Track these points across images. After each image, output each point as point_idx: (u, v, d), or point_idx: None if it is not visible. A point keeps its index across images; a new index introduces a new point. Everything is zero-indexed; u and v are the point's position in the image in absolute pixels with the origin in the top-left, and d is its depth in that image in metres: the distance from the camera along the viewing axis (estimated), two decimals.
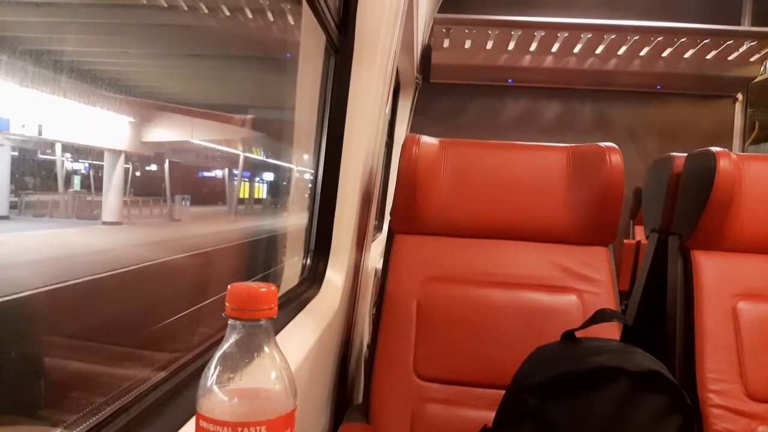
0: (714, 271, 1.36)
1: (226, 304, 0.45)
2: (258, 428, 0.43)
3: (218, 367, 0.44)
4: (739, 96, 3.88)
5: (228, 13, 3.88)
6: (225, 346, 0.45)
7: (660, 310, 1.49)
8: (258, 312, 0.45)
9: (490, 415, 0.99)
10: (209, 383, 0.44)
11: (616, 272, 1.37)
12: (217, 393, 0.44)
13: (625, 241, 3.16)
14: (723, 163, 1.33)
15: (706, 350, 1.29)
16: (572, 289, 1.32)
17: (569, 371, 0.89)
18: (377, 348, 1.29)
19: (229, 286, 0.45)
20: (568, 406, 0.87)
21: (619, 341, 1.01)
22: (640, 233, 3.65)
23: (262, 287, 0.45)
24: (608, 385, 0.86)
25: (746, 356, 1.27)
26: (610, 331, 1.24)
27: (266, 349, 0.46)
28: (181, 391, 0.65)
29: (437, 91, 3.92)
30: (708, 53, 3.62)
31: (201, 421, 0.44)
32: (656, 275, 1.57)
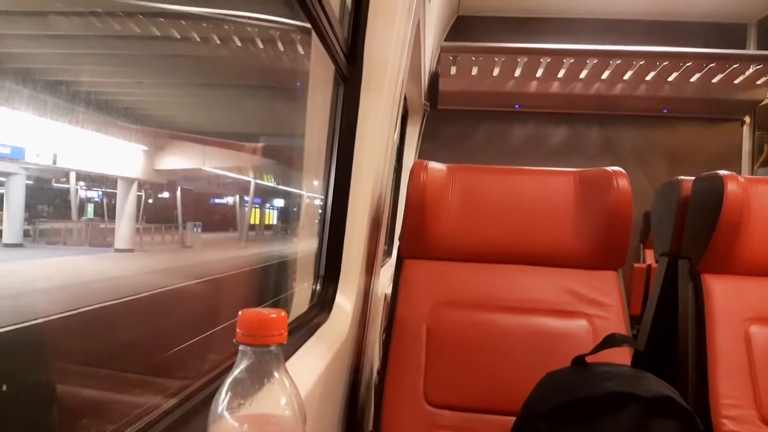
0: (725, 295, 1.36)
1: (237, 330, 0.45)
2: None
3: (229, 392, 0.45)
4: (747, 119, 3.88)
5: (239, 44, 3.96)
6: (236, 372, 0.46)
7: (671, 335, 1.48)
8: (268, 338, 0.45)
9: None
10: (220, 409, 0.45)
11: (626, 296, 1.36)
12: (227, 419, 0.45)
13: (635, 265, 3.14)
14: (731, 186, 1.33)
15: (719, 375, 1.28)
16: (582, 314, 1.31)
17: (580, 397, 0.88)
18: (387, 374, 1.29)
19: (239, 312, 0.46)
20: None
21: (631, 366, 1.00)
22: (650, 257, 3.62)
23: (272, 313, 0.46)
24: (620, 410, 0.86)
25: (760, 381, 1.25)
26: (621, 356, 1.23)
27: (276, 374, 0.46)
28: (193, 418, 0.66)
29: (445, 117, 3.95)
30: (714, 77, 3.64)
31: None
32: (667, 299, 1.56)
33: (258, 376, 0.46)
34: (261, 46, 4.12)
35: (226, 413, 0.45)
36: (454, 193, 1.42)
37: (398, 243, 1.47)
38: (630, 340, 1.03)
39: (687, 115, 3.90)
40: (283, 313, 0.46)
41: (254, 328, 0.45)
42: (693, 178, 1.54)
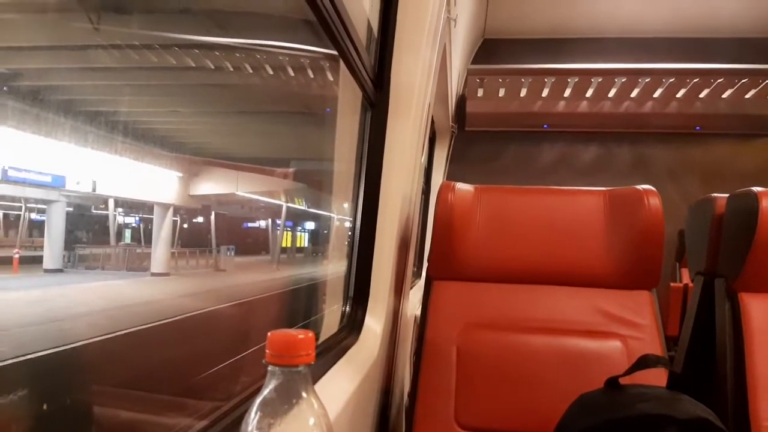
0: (763, 314, 1.32)
1: (266, 350, 0.47)
2: None
3: (258, 413, 0.46)
4: None
5: (271, 72, 4.08)
6: (265, 392, 0.47)
7: (709, 356, 1.44)
8: (296, 358, 0.47)
9: None
10: (250, 429, 0.46)
11: (661, 317, 1.33)
12: None
13: (672, 284, 3.06)
14: (765, 203, 1.30)
15: (759, 397, 1.23)
16: (615, 335, 1.29)
17: (614, 419, 0.87)
18: (417, 396, 1.28)
19: (268, 334, 0.47)
20: None
21: (666, 388, 0.98)
22: (687, 276, 3.53)
23: (300, 334, 0.47)
24: None
25: None
26: (657, 377, 1.20)
27: (304, 395, 0.47)
28: None
29: (473, 138, 3.96)
30: (747, 92, 3.57)
31: None
32: (704, 319, 1.52)
33: (286, 397, 0.47)
34: (291, 73, 4.23)
35: None
36: (481, 214, 1.42)
37: (427, 264, 1.47)
38: (664, 361, 1.01)
39: (720, 132, 3.82)
40: (310, 334, 0.47)
41: (282, 348, 0.47)
42: (727, 195, 1.51)
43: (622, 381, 0.97)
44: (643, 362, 0.95)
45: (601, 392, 0.98)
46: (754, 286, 1.35)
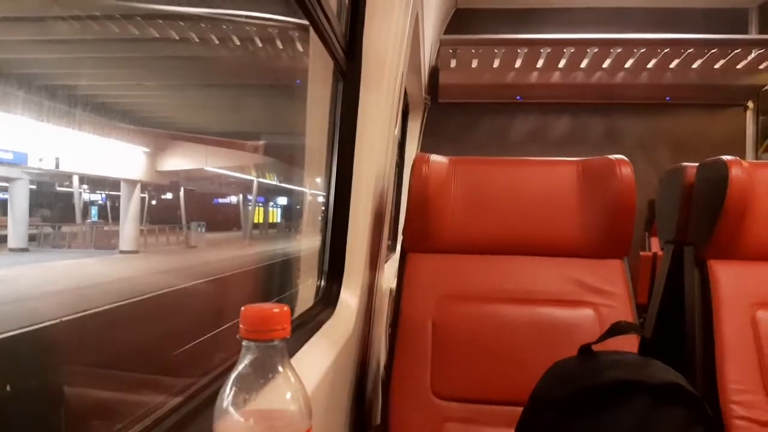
0: (731, 281, 1.35)
1: (240, 325, 0.45)
2: None
3: (233, 388, 0.45)
4: (750, 104, 3.86)
5: (238, 43, 3.96)
6: (240, 368, 0.46)
7: (678, 322, 1.47)
8: (271, 333, 0.45)
9: None
10: (225, 405, 0.45)
11: (633, 285, 1.36)
12: (233, 414, 0.45)
13: (641, 253, 3.13)
14: (735, 172, 1.33)
15: (726, 361, 1.27)
16: (588, 303, 1.31)
17: (587, 386, 0.88)
18: (393, 368, 1.29)
19: (242, 308, 0.46)
20: (587, 421, 0.86)
21: (638, 354, 1.00)
22: (656, 245, 3.61)
23: (275, 308, 0.46)
24: (627, 399, 0.85)
25: None
26: (629, 344, 1.22)
27: (281, 369, 0.46)
28: (199, 414, 0.66)
29: (446, 110, 3.94)
30: (716, 63, 3.62)
31: None
32: (673, 286, 1.55)
33: (262, 372, 0.46)
34: (260, 44, 4.12)
35: (231, 408, 0.44)
36: (456, 186, 1.41)
37: (402, 237, 1.47)
38: (636, 328, 1.03)
39: (690, 102, 3.88)
40: (285, 308, 0.46)
41: (257, 323, 0.45)
42: (697, 164, 1.54)
43: (595, 348, 0.98)
44: (616, 329, 0.96)
45: (574, 360, 0.99)
46: (722, 254, 1.38)
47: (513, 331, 1.28)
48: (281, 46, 3.76)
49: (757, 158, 3.85)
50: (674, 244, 1.61)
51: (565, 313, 1.30)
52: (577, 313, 1.30)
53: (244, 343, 0.46)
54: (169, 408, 0.66)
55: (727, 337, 1.29)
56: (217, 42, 4.36)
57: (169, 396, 0.70)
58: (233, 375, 0.46)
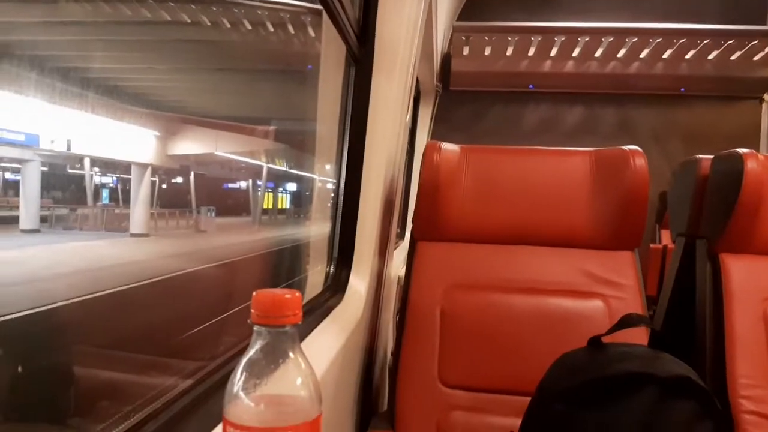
0: (743, 275, 1.34)
1: (252, 311, 0.45)
2: None
3: (244, 373, 0.45)
4: (766, 96, 3.80)
5: (250, 28, 3.94)
6: (251, 353, 0.46)
7: (688, 315, 1.46)
8: (283, 318, 0.45)
9: (515, 422, 0.98)
10: (236, 389, 0.45)
11: (642, 277, 1.35)
12: (243, 399, 0.45)
13: (651, 245, 3.11)
14: (750, 165, 1.31)
15: (737, 355, 1.26)
16: (598, 295, 1.30)
17: (596, 378, 0.88)
18: (401, 355, 1.29)
19: (254, 293, 0.46)
20: (595, 413, 0.86)
21: (647, 347, 1.00)
22: (666, 238, 3.59)
23: (287, 294, 0.46)
24: (636, 391, 0.85)
25: None
26: (638, 336, 1.22)
27: (291, 355, 0.46)
28: (209, 398, 0.66)
29: (458, 98, 3.91)
30: (732, 54, 3.56)
31: (228, 427, 0.44)
32: (684, 279, 1.54)
33: (273, 357, 0.45)
34: (271, 29, 4.10)
35: (241, 393, 0.45)
36: (467, 175, 1.40)
37: (411, 225, 1.46)
38: (646, 320, 1.02)
39: (705, 94, 3.82)
40: (297, 294, 0.46)
41: (269, 308, 0.45)
42: (711, 157, 1.52)
43: (605, 340, 0.97)
44: (626, 321, 0.96)
45: (583, 351, 0.98)
46: (735, 248, 1.37)
47: (521, 322, 1.27)
48: (293, 31, 3.74)
49: None
50: (686, 237, 1.60)
51: (575, 304, 1.29)
52: (586, 305, 1.29)
53: (255, 328, 0.46)
54: (180, 391, 0.66)
55: (738, 332, 1.28)
56: (228, 26, 4.34)
57: (179, 379, 0.71)
58: (244, 360, 0.46)
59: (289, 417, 0.45)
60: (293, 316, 0.46)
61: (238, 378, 0.45)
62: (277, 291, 0.46)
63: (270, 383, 0.45)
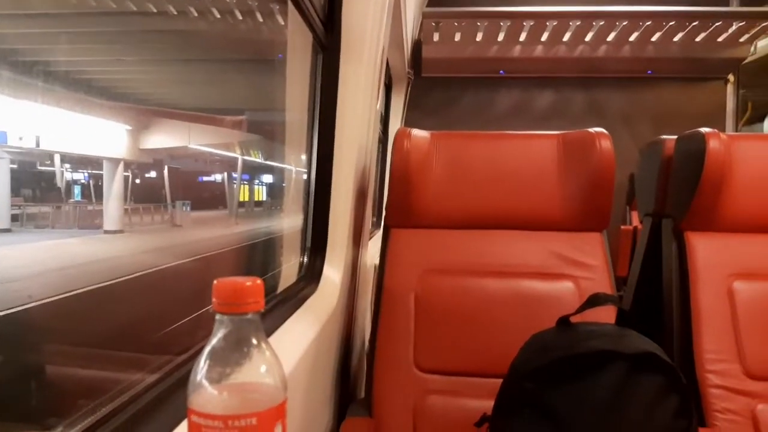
0: (708, 252, 1.37)
1: (213, 299, 0.45)
2: (248, 420, 0.43)
3: (207, 361, 0.45)
4: (731, 77, 3.88)
5: (218, 16, 3.88)
6: (213, 341, 0.45)
7: (656, 293, 1.50)
8: (244, 306, 0.45)
9: (490, 404, 1.00)
10: (199, 378, 0.45)
11: (612, 258, 1.37)
12: (207, 387, 0.45)
13: (622, 227, 3.16)
14: (713, 144, 1.34)
15: (703, 331, 1.30)
16: (568, 276, 1.32)
17: (564, 356, 0.90)
18: (377, 342, 1.30)
19: (214, 282, 0.45)
20: (566, 390, 0.88)
21: (615, 325, 1.02)
22: (636, 219, 3.64)
23: (248, 281, 0.46)
24: (604, 368, 0.87)
25: (743, 335, 1.28)
26: (607, 315, 1.25)
27: (254, 342, 0.46)
28: (177, 390, 0.66)
29: (430, 85, 3.92)
30: (697, 36, 3.61)
31: (192, 415, 0.44)
32: (651, 258, 1.57)
33: (236, 345, 0.45)
34: (240, 17, 4.04)
35: (205, 382, 0.45)
36: (438, 161, 1.41)
37: (384, 213, 1.47)
38: (613, 299, 1.04)
39: (671, 75, 3.88)
40: (258, 281, 0.46)
41: (229, 296, 0.45)
42: (675, 137, 1.55)
43: (573, 320, 0.99)
44: (593, 301, 0.98)
45: (552, 331, 1.00)
46: (699, 226, 1.40)
47: (494, 304, 1.29)
48: (262, 20, 3.69)
49: (737, 131, 3.88)
50: (653, 217, 1.63)
51: (546, 286, 1.31)
52: (557, 286, 1.31)
53: (217, 316, 0.46)
54: (147, 384, 0.66)
55: (704, 308, 1.32)
56: (195, 15, 4.27)
57: (147, 374, 0.71)
58: (207, 349, 0.45)
59: (253, 403, 0.45)
60: (255, 303, 0.46)
61: (201, 366, 0.45)
62: (238, 279, 0.46)
63: (234, 371, 0.45)
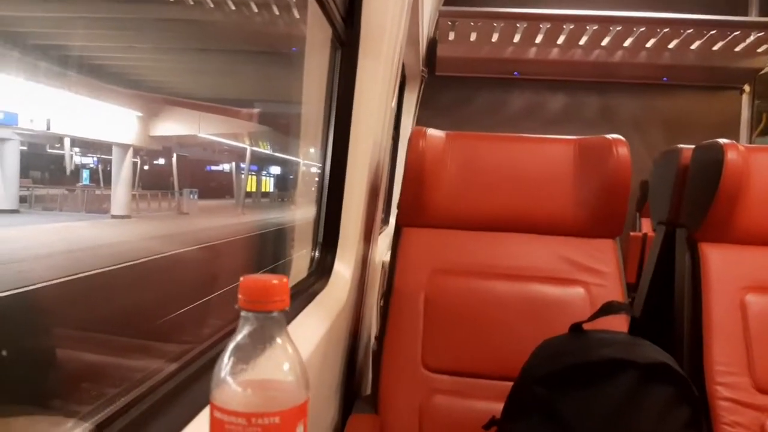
0: (722, 264, 1.36)
1: (239, 296, 0.45)
2: (271, 419, 0.43)
3: (231, 358, 0.45)
4: (746, 87, 3.85)
5: (234, 8, 3.88)
6: (238, 338, 0.46)
7: (667, 303, 1.49)
8: (270, 304, 0.45)
9: (498, 407, 1.00)
10: (223, 374, 0.45)
11: (623, 265, 1.37)
12: (230, 383, 0.45)
13: (631, 233, 3.15)
14: (731, 155, 1.33)
15: (714, 343, 1.29)
16: (579, 282, 1.32)
17: (577, 363, 0.89)
18: (385, 340, 1.30)
19: (241, 279, 0.45)
20: (576, 397, 0.88)
21: (627, 333, 1.02)
22: (646, 226, 3.63)
23: (274, 279, 0.46)
24: (616, 377, 0.87)
25: (754, 349, 1.27)
26: (618, 323, 1.24)
27: (279, 340, 0.46)
28: (194, 382, 0.66)
29: (443, 84, 3.91)
30: (715, 44, 3.59)
31: (215, 411, 0.44)
32: (663, 267, 1.57)
33: (260, 342, 0.46)
34: (255, 10, 4.04)
35: (229, 378, 0.45)
36: (452, 161, 1.41)
37: (396, 211, 1.46)
38: (627, 308, 1.04)
39: (686, 83, 3.86)
40: (285, 279, 0.46)
41: (256, 294, 0.45)
42: (692, 146, 1.54)
43: (586, 327, 0.99)
44: (607, 309, 0.98)
45: (565, 337, 1.00)
46: (714, 237, 1.39)
47: (504, 307, 1.29)
48: (277, 12, 3.69)
49: (750, 142, 3.86)
50: (666, 226, 1.62)
51: (556, 291, 1.31)
52: (568, 291, 1.31)
53: (242, 313, 0.46)
54: (166, 374, 0.66)
55: (716, 320, 1.31)
56: (211, 5, 4.27)
57: (164, 362, 0.71)
58: (231, 345, 0.46)
59: (277, 402, 0.45)
60: (281, 301, 0.46)
61: (226, 363, 0.45)
62: (265, 276, 0.46)
63: (257, 368, 0.45)
